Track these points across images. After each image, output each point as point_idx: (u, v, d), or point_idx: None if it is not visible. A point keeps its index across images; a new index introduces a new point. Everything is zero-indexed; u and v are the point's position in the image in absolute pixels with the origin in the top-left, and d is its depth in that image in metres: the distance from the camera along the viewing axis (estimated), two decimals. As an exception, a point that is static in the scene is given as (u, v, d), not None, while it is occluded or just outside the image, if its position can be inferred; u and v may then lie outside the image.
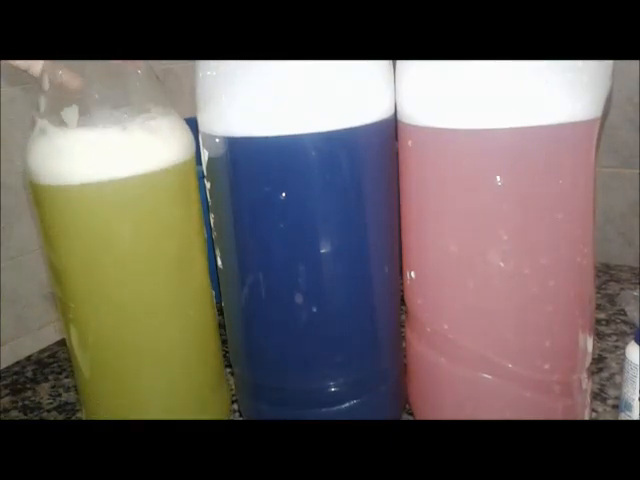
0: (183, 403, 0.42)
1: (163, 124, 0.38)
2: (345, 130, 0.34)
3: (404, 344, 0.42)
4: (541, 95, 0.31)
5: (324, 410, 0.39)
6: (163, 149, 0.37)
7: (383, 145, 0.37)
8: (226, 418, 0.46)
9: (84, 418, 0.44)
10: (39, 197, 0.37)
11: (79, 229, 0.37)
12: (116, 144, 0.35)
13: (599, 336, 0.53)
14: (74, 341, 0.40)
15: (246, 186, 0.36)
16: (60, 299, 0.40)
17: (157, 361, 0.40)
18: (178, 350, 0.41)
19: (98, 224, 0.36)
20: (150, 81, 0.38)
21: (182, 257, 0.40)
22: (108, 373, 0.40)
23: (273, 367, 0.40)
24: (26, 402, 0.52)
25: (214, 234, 0.40)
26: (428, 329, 0.38)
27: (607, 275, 0.65)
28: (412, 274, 0.39)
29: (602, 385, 0.46)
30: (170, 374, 0.41)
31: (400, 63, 0.35)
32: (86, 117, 0.36)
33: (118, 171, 0.35)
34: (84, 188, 0.35)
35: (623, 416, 0.38)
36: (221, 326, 0.43)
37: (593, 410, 0.43)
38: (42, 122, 0.36)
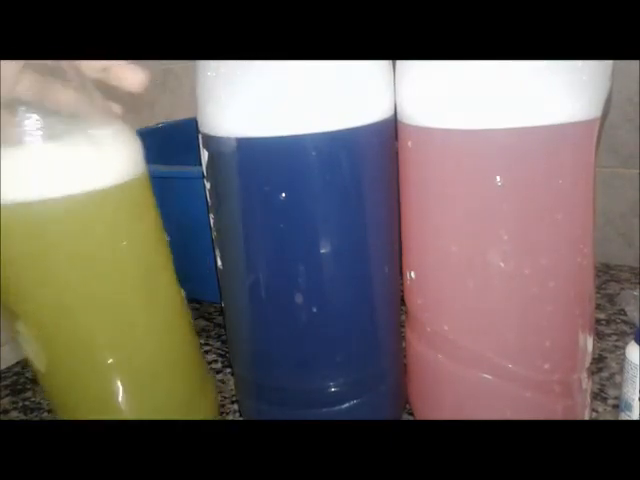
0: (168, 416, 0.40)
1: (107, 137, 0.35)
2: (345, 130, 0.34)
3: (404, 344, 0.42)
4: (541, 95, 0.31)
5: (324, 410, 0.39)
6: (107, 165, 0.35)
7: (383, 145, 0.37)
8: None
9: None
10: None
11: (25, 250, 0.34)
12: (57, 160, 0.33)
13: (599, 336, 0.53)
14: (38, 365, 0.38)
15: (246, 186, 0.36)
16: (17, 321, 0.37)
17: (135, 379, 0.39)
18: (155, 365, 0.39)
19: (43, 244, 0.34)
20: (88, 90, 0.36)
21: (147, 271, 0.38)
22: (80, 396, 0.39)
23: (273, 367, 0.40)
24: (26, 402, 0.52)
25: (214, 234, 0.40)
26: (428, 329, 0.38)
27: (607, 275, 0.65)
28: (412, 274, 0.39)
29: (602, 385, 0.46)
30: (151, 389, 0.40)
31: (400, 63, 0.35)
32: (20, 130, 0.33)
33: (55, 189, 0.33)
34: (21, 207, 0.33)
35: (623, 416, 0.38)
36: (221, 326, 0.43)
37: (593, 410, 0.43)
38: None
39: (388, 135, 0.37)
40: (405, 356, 0.42)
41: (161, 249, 0.40)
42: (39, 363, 0.38)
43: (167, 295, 0.41)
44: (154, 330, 0.39)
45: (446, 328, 0.36)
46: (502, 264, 0.34)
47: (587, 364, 0.37)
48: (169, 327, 0.41)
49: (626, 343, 0.39)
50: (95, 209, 0.35)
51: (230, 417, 0.47)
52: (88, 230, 0.35)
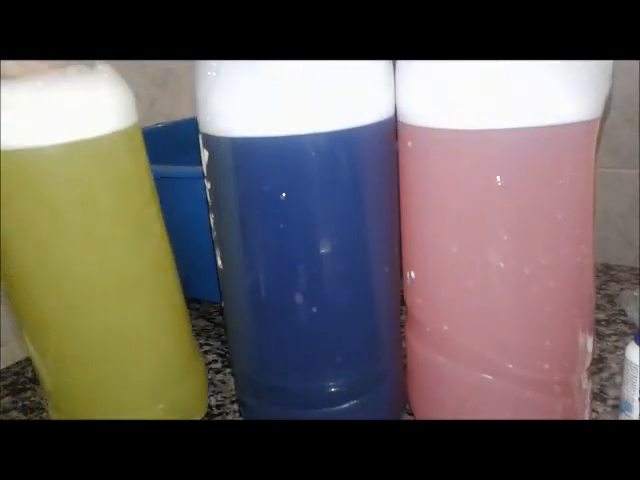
0: (152, 378, 0.42)
1: (96, 85, 0.36)
2: (345, 130, 0.34)
3: (404, 344, 0.42)
4: (541, 95, 0.31)
5: (324, 410, 0.39)
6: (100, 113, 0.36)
7: (383, 145, 0.37)
8: (202, 391, 0.46)
9: (49, 407, 0.44)
10: None
11: (31, 199, 0.35)
12: (46, 107, 0.34)
13: (599, 336, 0.53)
14: (29, 328, 0.39)
15: (246, 186, 0.36)
16: (9, 285, 0.39)
17: (123, 336, 0.40)
18: (145, 324, 0.40)
19: (39, 191, 0.35)
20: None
21: (138, 220, 0.39)
22: (70, 356, 0.39)
23: (273, 367, 0.40)
24: (26, 402, 0.52)
25: (214, 234, 0.40)
26: (428, 329, 0.38)
27: (607, 275, 0.65)
28: (412, 274, 0.39)
29: (602, 385, 0.46)
30: (138, 348, 0.40)
31: (400, 63, 0.35)
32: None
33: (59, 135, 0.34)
34: (26, 152, 0.34)
35: (623, 416, 0.38)
36: (221, 326, 0.43)
37: (593, 410, 0.43)
38: None
39: (388, 135, 0.37)
40: (405, 356, 0.42)
41: (152, 200, 0.41)
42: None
43: (160, 248, 0.41)
44: (144, 278, 0.40)
45: (446, 328, 0.36)
46: (502, 264, 0.33)
47: (587, 364, 0.37)
48: (158, 279, 0.41)
49: (626, 343, 0.39)
50: (81, 160, 0.36)
51: (230, 417, 0.47)
52: (76, 178, 0.36)
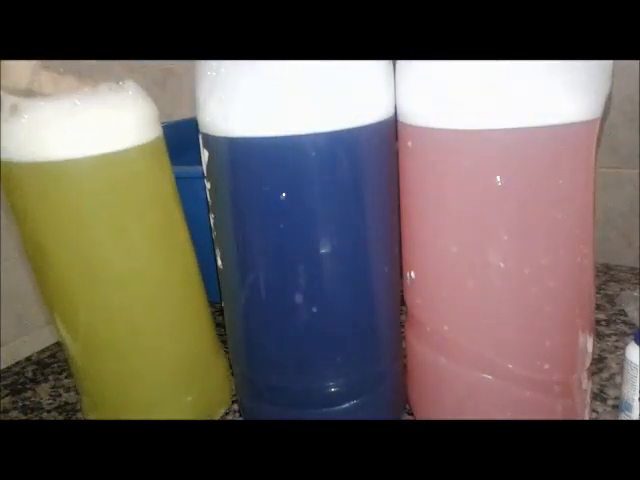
0: (180, 372, 0.43)
1: (123, 102, 0.38)
2: (345, 130, 0.34)
3: (404, 344, 0.42)
4: (541, 95, 0.31)
5: (324, 410, 0.39)
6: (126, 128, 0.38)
7: (383, 145, 0.37)
8: (226, 384, 0.48)
9: (84, 404, 0.45)
10: (15, 177, 0.37)
11: (64, 207, 0.37)
12: (75, 121, 0.36)
13: (599, 336, 0.53)
14: (63, 324, 0.41)
15: (246, 186, 0.36)
16: (42, 282, 0.41)
17: (152, 333, 0.41)
18: (172, 322, 0.42)
19: (81, 201, 0.37)
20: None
21: (164, 228, 0.41)
22: (102, 351, 0.41)
23: (273, 367, 0.40)
24: (26, 402, 0.52)
25: (214, 234, 0.40)
26: (428, 329, 0.38)
27: (607, 275, 0.65)
28: (412, 274, 0.39)
29: (602, 385, 0.46)
30: (166, 344, 0.42)
31: (400, 63, 0.35)
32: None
33: (100, 146, 0.36)
34: (67, 164, 0.36)
35: (623, 416, 0.39)
36: (221, 326, 0.43)
37: (593, 410, 0.43)
38: (13, 99, 0.36)
39: (388, 135, 0.37)
40: (405, 356, 0.42)
41: (176, 205, 0.43)
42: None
43: (184, 251, 0.44)
44: (171, 279, 0.42)
45: (446, 328, 0.36)
46: (502, 264, 0.33)
47: (587, 364, 0.37)
48: (184, 278, 0.43)
49: (626, 343, 0.39)
50: (112, 171, 0.38)
51: (230, 417, 0.47)
52: (106, 190, 0.38)
